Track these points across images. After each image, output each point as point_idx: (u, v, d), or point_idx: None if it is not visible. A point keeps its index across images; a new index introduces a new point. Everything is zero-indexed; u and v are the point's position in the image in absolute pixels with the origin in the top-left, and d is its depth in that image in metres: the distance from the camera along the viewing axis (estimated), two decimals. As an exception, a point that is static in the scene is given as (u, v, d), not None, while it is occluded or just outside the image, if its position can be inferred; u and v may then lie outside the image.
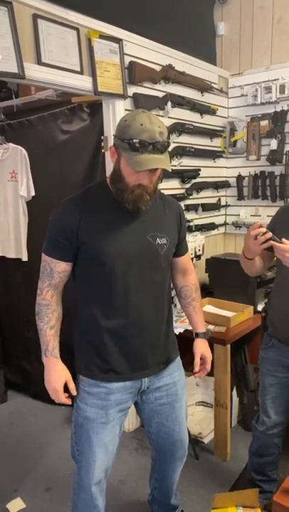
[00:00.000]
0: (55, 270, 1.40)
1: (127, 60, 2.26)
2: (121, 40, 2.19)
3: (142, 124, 1.24)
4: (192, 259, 2.68)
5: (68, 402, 1.42)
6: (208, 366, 1.66)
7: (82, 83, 2.04)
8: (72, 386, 1.43)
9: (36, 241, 2.58)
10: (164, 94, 2.52)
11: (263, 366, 1.81)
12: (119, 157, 1.31)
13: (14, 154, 2.67)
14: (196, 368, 1.63)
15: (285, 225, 1.61)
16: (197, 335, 1.67)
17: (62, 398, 1.40)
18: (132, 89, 2.31)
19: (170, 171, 1.36)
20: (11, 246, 2.83)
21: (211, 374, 1.69)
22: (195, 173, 2.82)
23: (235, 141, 3.07)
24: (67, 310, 1.48)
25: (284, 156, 2.85)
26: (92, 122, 2.42)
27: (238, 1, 3.00)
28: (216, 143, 3.06)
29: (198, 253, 2.83)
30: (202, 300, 2.14)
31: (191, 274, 1.68)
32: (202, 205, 2.95)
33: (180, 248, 1.58)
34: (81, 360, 1.47)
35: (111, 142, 2.23)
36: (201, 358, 1.64)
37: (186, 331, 2.23)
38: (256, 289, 2.50)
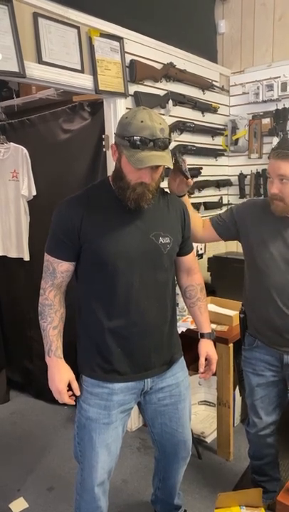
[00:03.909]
0: (58, 270, 1.39)
1: (128, 58, 2.25)
2: (122, 38, 2.19)
3: (142, 121, 1.23)
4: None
5: (72, 402, 1.41)
6: (214, 367, 1.63)
7: (83, 82, 2.03)
8: (75, 386, 1.42)
9: (38, 240, 2.58)
10: (165, 92, 2.51)
11: (249, 367, 1.79)
12: (120, 155, 1.30)
13: (15, 154, 2.66)
14: (201, 369, 1.60)
15: (253, 222, 1.66)
16: (202, 335, 1.65)
17: (66, 398, 1.39)
18: (133, 88, 2.31)
19: (172, 168, 1.34)
20: (13, 245, 2.83)
21: (213, 373, 1.67)
22: (196, 171, 2.81)
23: (236, 140, 3.06)
24: (69, 307, 1.47)
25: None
26: (93, 121, 2.42)
27: (239, -1, 2.99)
28: (218, 141, 3.05)
29: (200, 252, 2.83)
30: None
31: (196, 274, 1.66)
32: (204, 203, 2.94)
33: (184, 247, 1.56)
34: (84, 360, 1.46)
35: (112, 141, 2.23)
36: (206, 359, 1.62)
37: (188, 330, 2.22)
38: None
